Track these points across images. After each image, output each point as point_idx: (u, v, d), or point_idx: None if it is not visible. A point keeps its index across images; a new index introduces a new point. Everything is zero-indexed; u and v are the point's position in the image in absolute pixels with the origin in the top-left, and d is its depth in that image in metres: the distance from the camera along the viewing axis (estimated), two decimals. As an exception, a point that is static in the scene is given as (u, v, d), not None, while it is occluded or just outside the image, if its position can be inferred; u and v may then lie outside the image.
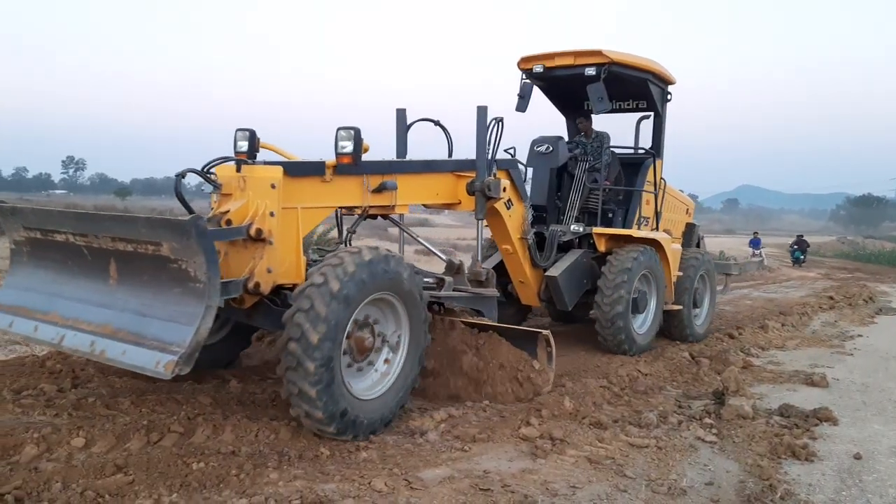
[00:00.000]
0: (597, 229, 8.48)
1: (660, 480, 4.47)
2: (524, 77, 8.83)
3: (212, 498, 3.77)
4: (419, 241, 7.03)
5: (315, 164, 5.35)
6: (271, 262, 4.91)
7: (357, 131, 5.33)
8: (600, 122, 9.31)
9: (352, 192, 5.66)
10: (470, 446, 4.88)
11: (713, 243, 32.84)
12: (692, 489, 4.40)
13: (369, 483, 4.08)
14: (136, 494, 3.74)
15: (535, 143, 8.67)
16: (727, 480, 4.58)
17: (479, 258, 7.02)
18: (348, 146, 5.33)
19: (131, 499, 3.69)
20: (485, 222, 7.26)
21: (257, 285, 4.83)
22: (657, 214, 9.35)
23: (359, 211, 5.88)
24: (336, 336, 4.56)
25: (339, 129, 5.36)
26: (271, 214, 4.92)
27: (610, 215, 8.94)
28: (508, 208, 7.47)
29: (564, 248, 8.59)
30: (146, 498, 3.70)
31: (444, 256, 6.99)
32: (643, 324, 8.66)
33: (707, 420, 5.74)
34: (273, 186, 4.95)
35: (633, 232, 8.60)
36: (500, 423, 5.37)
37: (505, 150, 7.97)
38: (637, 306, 8.30)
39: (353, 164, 5.35)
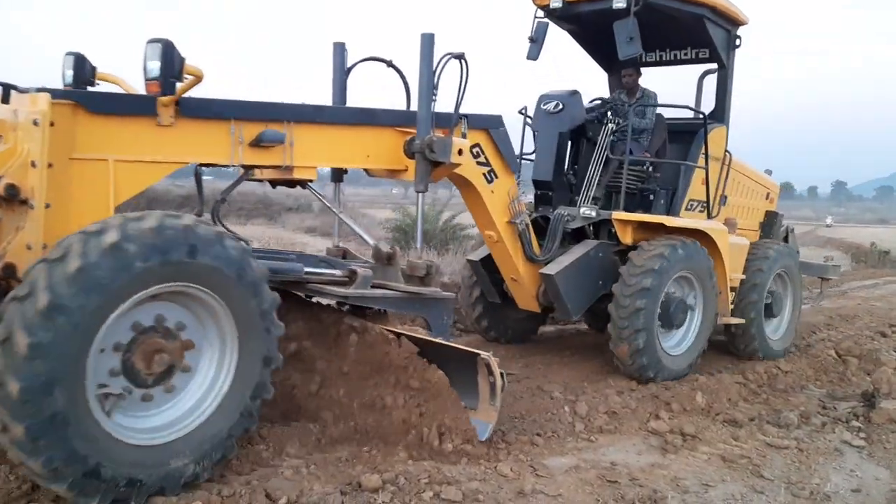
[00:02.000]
0: (617, 214, 6.33)
1: (800, 484, 4.24)
2: (539, 15, 6.83)
3: (346, 472, 3.94)
4: (341, 218, 5.59)
5: (138, 100, 3.98)
6: (35, 236, 3.50)
7: (167, 45, 3.78)
8: (655, 78, 7.47)
9: (211, 143, 4.20)
10: (596, 437, 4.85)
11: (865, 234, 30.46)
12: (837, 495, 4.15)
13: (495, 467, 4.14)
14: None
15: (543, 99, 6.73)
16: (877, 489, 4.28)
17: (419, 245, 5.38)
18: (155, 68, 3.82)
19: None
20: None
21: (8, 267, 3.45)
22: (716, 198, 7.17)
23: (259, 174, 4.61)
24: (72, 346, 3.01)
25: (147, 42, 3.85)
26: (33, 165, 3.51)
27: (651, 198, 6.88)
28: (489, 182, 5.66)
29: (577, 238, 6.62)
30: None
31: (370, 240, 5.35)
32: (680, 342, 6.49)
33: (854, 423, 5.38)
34: (35, 123, 3.51)
35: (667, 219, 6.41)
36: (628, 415, 5.28)
37: (519, 112, 6.87)
38: (670, 320, 6.28)
39: (161, 93, 3.85)
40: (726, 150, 7.22)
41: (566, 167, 6.96)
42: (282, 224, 22.68)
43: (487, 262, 6.67)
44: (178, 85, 3.91)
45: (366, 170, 5.15)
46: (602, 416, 5.18)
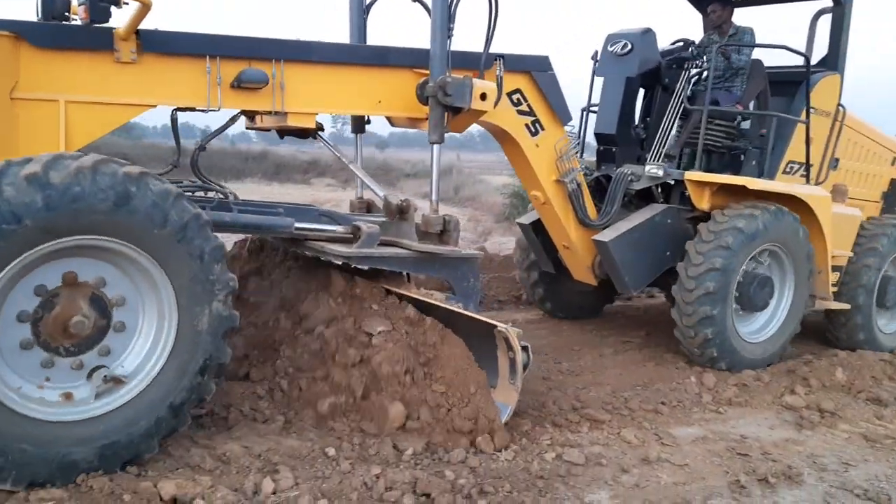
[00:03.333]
0: (691, 174, 5.45)
1: (954, 469, 3.91)
2: None
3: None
4: (348, 166, 4.98)
5: (92, 32, 3.47)
6: None
7: None
8: (755, 15, 6.34)
9: (182, 83, 3.76)
10: (725, 409, 4.67)
11: None
12: None
13: (618, 433, 4.09)
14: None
15: (610, 39, 5.81)
16: None
17: (435, 197, 4.46)
18: None
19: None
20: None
21: None
22: (824, 160, 6.15)
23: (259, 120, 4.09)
24: None
25: None
26: None
27: (741, 158, 5.93)
28: (533, 134, 5.00)
29: (647, 202, 5.83)
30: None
31: (379, 192, 4.62)
32: (764, 326, 5.65)
33: None
34: None
35: (750, 181, 5.41)
36: (760, 388, 5.04)
37: (591, 59, 6.00)
38: (751, 302, 5.45)
39: (90, 21, 3.34)
40: (839, 104, 6.11)
41: (636, 119, 6.03)
42: (400, 190, 23.07)
43: (539, 226, 5.93)
44: (128, 15, 3.40)
45: (388, 119, 4.70)
46: (731, 388, 4.98)
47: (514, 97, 4.83)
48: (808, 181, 5.96)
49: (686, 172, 5.48)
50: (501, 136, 5.04)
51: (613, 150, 5.94)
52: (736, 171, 5.81)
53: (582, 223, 5.46)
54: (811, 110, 5.78)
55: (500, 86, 4.38)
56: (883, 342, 6.33)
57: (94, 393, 3.04)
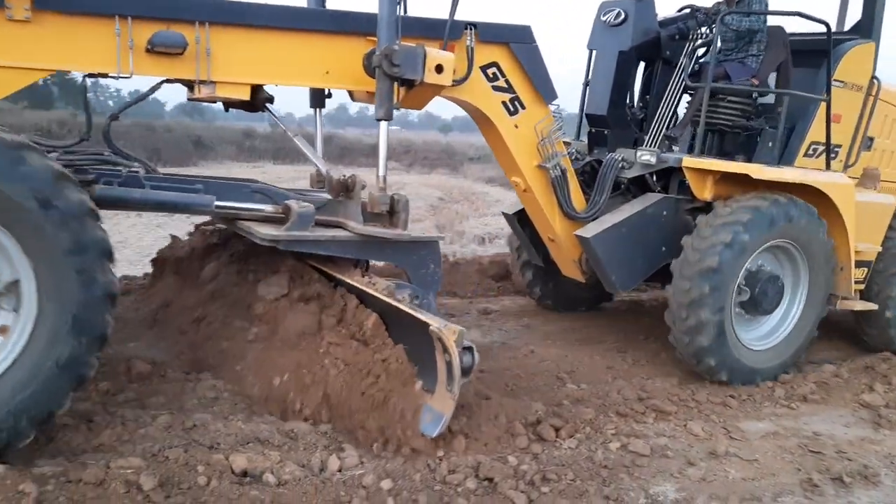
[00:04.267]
0: (689, 160, 4.76)
1: None
2: None
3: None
4: (292, 139, 4.47)
5: None
6: None
7: None
8: None
9: (87, 46, 3.36)
10: (798, 405, 4.53)
11: None
12: None
13: (685, 425, 4.01)
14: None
15: (602, 8, 5.21)
16: None
17: (382, 174, 3.91)
18: None
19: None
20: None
21: None
22: (857, 140, 5.42)
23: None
24: None
25: None
26: None
27: (758, 139, 5.16)
28: (512, 113, 4.46)
29: (644, 191, 5.19)
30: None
31: (322, 167, 4.26)
32: (772, 332, 5.01)
33: None
34: None
35: (751, 168, 4.70)
36: (839, 385, 4.86)
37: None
38: (756, 304, 4.81)
39: None
40: (874, 77, 5.33)
41: (634, 98, 5.44)
42: (463, 174, 23.07)
43: (525, 216, 5.38)
44: None
45: (350, 94, 4.24)
46: (808, 384, 4.81)
47: (490, 71, 4.32)
48: (828, 166, 5.17)
49: (684, 158, 4.78)
50: (476, 116, 4.55)
51: (606, 132, 5.34)
52: (749, 158, 5.13)
53: (567, 215, 4.89)
54: (838, 84, 5.10)
55: (470, 58, 4.04)
56: None
57: None
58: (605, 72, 5.19)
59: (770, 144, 5.04)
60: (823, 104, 5.02)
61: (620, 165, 4.98)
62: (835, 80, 5.05)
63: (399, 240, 3.92)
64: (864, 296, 5.46)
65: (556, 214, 4.90)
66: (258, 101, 3.99)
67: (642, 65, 5.44)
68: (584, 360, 5.00)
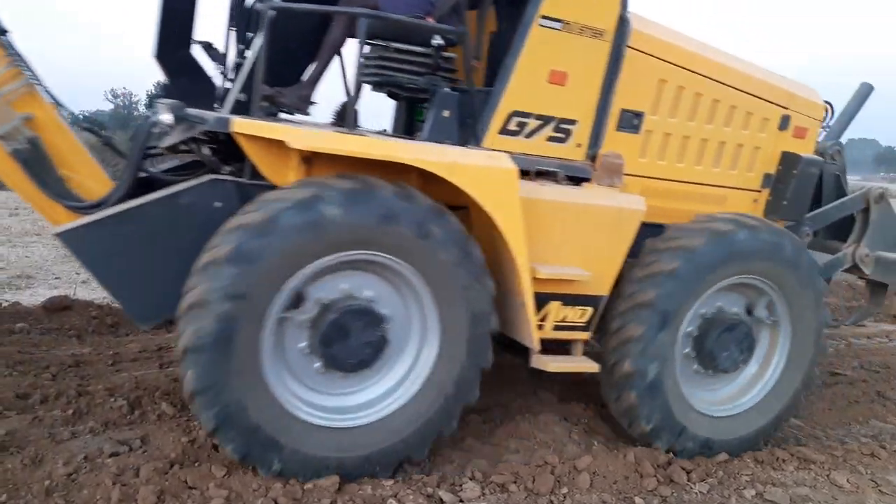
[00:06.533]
0: (241, 122, 3.03)
1: None
2: None
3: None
4: None
5: None
6: None
7: None
8: None
9: None
10: (957, 459, 4.11)
11: None
12: None
13: (828, 475, 3.74)
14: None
15: None
16: None
17: None
18: None
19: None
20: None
21: None
22: (604, 117, 3.76)
23: None
24: None
25: None
26: None
27: (445, 113, 3.45)
28: None
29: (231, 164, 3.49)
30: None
31: None
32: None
33: None
34: None
35: (294, 135, 3.04)
36: None
37: None
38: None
39: None
40: (622, 15, 3.65)
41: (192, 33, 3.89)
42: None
43: None
44: None
45: None
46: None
47: None
48: (478, 140, 3.48)
49: (234, 120, 3.03)
50: None
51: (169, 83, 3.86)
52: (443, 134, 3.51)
53: (70, 207, 3.28)
54: (551, 24, 3.47)
55: None
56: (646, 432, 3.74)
57: None
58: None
59: (445, 114, 3.46)
60: (532, 58, 3.47)
61: (156, 130, 3.36)
62: (545, 17, 3.46)
63: None
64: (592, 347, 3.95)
65: (48, 207, 3.32)
66: None
67: None
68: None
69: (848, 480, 3.69)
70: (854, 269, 4.72)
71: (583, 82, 3.66)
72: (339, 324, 3.07)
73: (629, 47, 3.73)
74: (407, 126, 4.14)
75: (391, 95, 4.06)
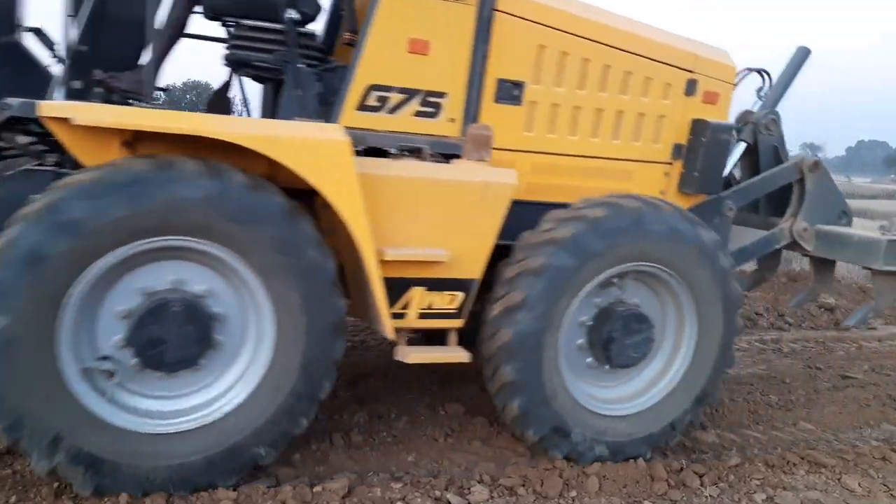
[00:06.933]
0: (48, 105, 2.74)
1: None
2: None
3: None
4: None
5: None
6: None
7: None
8: None
9: None
10: (973, 463, 4.07)
11: None
12: None
13: (839, 479, 3.71)
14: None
15: None
16: None
17: None
18: None
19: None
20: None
21: None
22: (477, 88, 3.45)
23: None
24: None
25: None
26: None
27: (297, 91, 3.31)
28: None
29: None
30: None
31: None
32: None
33: None
34: None
35: (68, 109, 2.71)
36: None
37: None
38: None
39: None
40: None
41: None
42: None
43: None
44: None
45: None
46: None
47: None
48: (335, 117, 3.24)
49: (40, 104, 2.74)
50: None
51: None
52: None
53: None
54: None
55: None
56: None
57: None
58: None
59: (298, 92, 3.26)
60: (391, 22, 3.19)
61: None
62: None
63: None
64: (468, 337, 3.48)
65: None
66: None
67: None
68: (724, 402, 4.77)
69: (859, 484, 3.65)
70: (795, 245, 4.37)
71: (448, 51, 3.35)
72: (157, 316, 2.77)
73: (498, 10, 3.40)
74: (274, 110, 3.60)
75: (256, 79, 3.75)
